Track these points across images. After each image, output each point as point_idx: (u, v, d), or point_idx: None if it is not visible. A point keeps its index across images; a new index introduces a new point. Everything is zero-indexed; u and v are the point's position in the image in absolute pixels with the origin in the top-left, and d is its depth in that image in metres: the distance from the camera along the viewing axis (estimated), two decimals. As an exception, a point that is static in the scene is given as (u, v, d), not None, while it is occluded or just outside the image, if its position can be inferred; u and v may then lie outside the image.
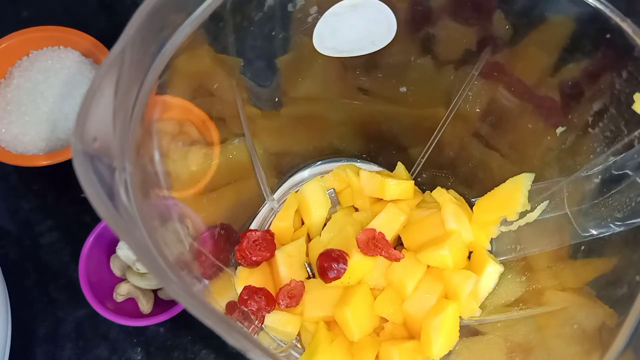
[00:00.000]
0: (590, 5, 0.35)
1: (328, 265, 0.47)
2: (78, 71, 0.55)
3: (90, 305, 0.48)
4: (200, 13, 0.33)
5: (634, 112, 0.36)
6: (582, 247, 0.41)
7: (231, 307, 0.45)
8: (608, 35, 0.35)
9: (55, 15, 0.64)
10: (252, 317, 0.46)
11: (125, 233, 0.25)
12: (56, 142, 0.53)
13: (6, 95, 0.54)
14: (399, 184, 0.50)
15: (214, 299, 0.44)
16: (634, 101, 0.36)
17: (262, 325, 0.47)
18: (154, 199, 0.33)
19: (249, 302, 0.44)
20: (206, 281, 0.44)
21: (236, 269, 0.49)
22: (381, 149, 0.53)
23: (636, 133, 0.37)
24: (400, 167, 0.53)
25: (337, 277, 0.47)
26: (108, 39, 0.56)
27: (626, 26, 0.35)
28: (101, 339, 0.53)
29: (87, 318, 0.53)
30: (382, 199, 0.50)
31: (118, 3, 0.65)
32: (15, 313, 0.50)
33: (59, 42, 0.56)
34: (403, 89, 0.47)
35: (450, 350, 0.45)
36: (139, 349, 0.52)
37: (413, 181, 0.52)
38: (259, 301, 0.45)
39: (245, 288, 0.46)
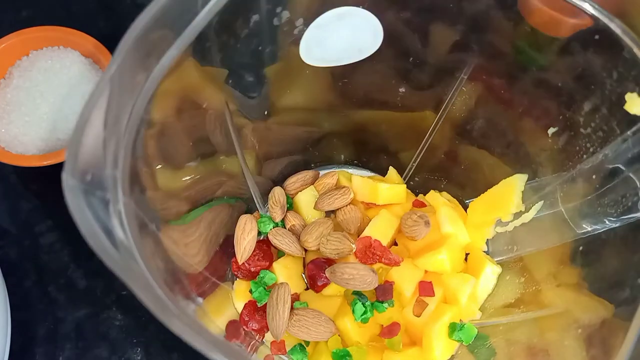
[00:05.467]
0: (578, 7, 0.35)
1: (316, 273, 0.47)
2: (78, 71, 0.54)
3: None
4: (187, 35, 0.32)
5: (626, 112, 0.36)
6: (580, 248, 0.41)
7: (234, 328, 0.45)
8: (597, 37, 0.35)
9: (55, 15, 0.63)
10: (252, 333, 0.46)
11: (125, 273, 0.24)
12: (56, 142, 0.53)
13: (6, 95, 0.53)
14: (390, 188, 0.50)
15: (209, 319, 0.44)
16: (625, 101, 0.36)
17: (263, 340, 0.47)
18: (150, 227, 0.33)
19: (249, 322, 0.44)
20: (200, 299, 0.44)
21: (233, 283, 0.49)
22: (372, 154, 0.53)
23: (628, 132, 0.37)
24: (392, 171, 0.53)
25: (326, 284, 0.46)
26: (108, 39, 0.55)
27: (615, 27, 0.34)
28: (101, 339, 0.52)
29: (86, 318, 0.53)
30: (375, 204, 0.50)
31: (118, 3, 0.64)
32: (15, 313, 0.49)
33: (59, 42, 0.56)
34: (392, 95, 0.46)
35: (452, 355, 0.45)
36: (139, 349, 0.52)
37: (405, 185, 0.52)
38: (260, 320, 0.44)
39: (245, 307, 0.46)
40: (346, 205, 0.49)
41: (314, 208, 0.50)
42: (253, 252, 0.48)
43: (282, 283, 0.44)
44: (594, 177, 0.40)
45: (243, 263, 0.47)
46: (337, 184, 0.52)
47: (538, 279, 0.44)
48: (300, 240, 0.48)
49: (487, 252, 0.49)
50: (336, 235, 0.47)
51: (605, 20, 0.35)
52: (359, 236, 0.48)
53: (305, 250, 0.49)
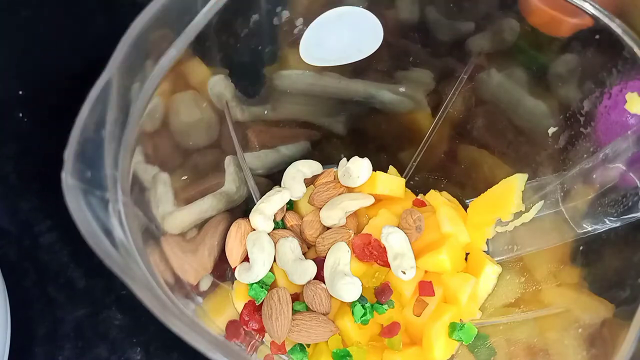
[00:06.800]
0: (579, 6, 0.35)
1: (316, 272, 0.46)
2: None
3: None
4: (187, 34, 0.32)
5: (626, 111, 0.36)
6: (581, 248, 0.41)
7: (234, 328, 0.44)
8: (597, 36, 0.35)
9: (55, 15, 0.63)
10: (252, 332, 0.46)
11: (124, 273, 0.24)
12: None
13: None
14: (389, 178, 0.50)
15: (209, 319, 0.44)
16: (625, 101, 0.36)
17: (263, 340, 0.47)
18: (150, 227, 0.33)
19: (249, 322, 0.44)
20: (200, 299, 0.44)
21: (233, 282, 0.49)
22: (372, 154, 0.53)
23: (629, 132, 0.37)
24: (392, 170, 0.53)
25: None
26: (108, 39, 0.55)
27: (615, 26, 0.35)
28: (100, 338, 0.52)
29: (86, 318, 0.53)
30: (375, 204, 0.50)
31: (118, 3, 0.64)
32: (15, 313, 0.49)
33: None
34: (393, 95, 0.46)
35: (452, 354, 0.45)
36: (139, 348, 0.52)
37: (404, 180, 0.51)
38: (260, 320, 0.44)
39: (245, 306, 0.46)
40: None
41: (308, 202, 0.50)
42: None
43: (278, 289, 0.44)
44: (594, 176, 0.40)
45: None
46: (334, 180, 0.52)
47: (538, 279, 0.44)
48: (304, 234, 0.48)
49: (487, 252, 0.49)
50: (330, 230, 0.47)
51: (605, 20, 0.35)
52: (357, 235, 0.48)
53: (307, 249, 0.49)
